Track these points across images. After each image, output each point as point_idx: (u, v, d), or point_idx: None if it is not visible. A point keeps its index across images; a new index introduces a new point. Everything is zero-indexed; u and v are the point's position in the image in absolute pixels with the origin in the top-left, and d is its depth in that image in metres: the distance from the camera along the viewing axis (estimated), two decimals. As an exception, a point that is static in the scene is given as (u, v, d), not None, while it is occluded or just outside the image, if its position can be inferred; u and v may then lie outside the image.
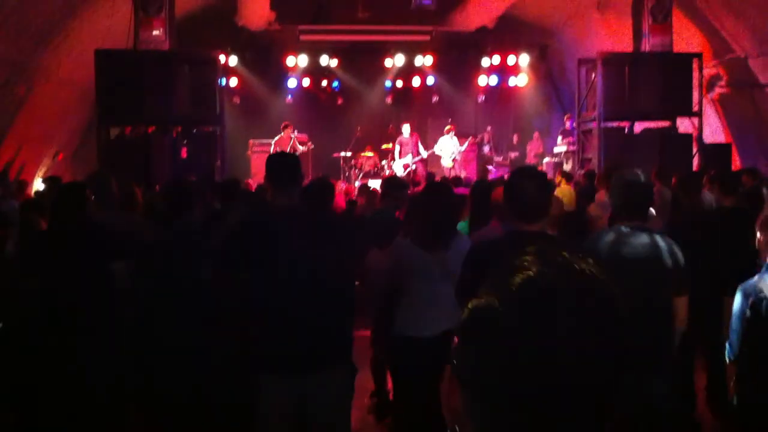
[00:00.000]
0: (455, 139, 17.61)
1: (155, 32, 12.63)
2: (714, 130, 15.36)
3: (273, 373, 3.93)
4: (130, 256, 4.97)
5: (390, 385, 5.53)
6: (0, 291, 4.86)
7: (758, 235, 3.88)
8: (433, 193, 4.94)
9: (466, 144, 17.80)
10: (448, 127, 17.80)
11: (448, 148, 17.63)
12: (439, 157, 17.88)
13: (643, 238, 3.88)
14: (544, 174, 4.07)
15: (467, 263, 3.74)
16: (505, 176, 13.67)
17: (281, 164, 4.23)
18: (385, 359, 5.68)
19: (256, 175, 15.27)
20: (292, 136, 16.43)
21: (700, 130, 14.13)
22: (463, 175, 16.02)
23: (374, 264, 5.16)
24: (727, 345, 3.77)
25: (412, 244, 4.68)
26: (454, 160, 17.53)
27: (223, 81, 14.77)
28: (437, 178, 12.85)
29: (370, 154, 18.04)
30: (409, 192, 7.04)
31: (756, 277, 3.68)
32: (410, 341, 4.61)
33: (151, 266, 4.79)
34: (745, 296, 3.65)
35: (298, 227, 4.01)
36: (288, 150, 15.48)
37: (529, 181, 3.56)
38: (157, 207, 6.31)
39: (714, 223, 5.65)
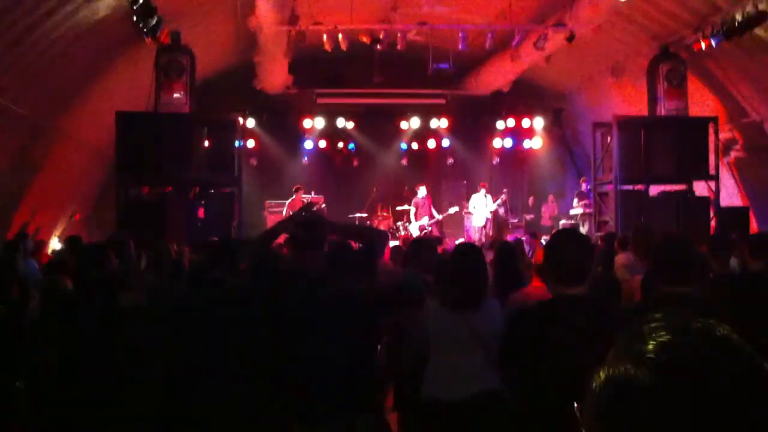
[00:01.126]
0: (489, 197, 17.58)
1: (176, 95, 12.83)
2: (730, 194, 15.33)
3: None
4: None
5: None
6: (21, 352, 4.83)
7: None
8: (464, 252, 4.91)
9: (499, 201, 17.72)
10: (482, 183, 17.89)
11: (481, 206, 17.56)
12: (455, 220, 17.86)
13: None
14: (584, 236, 4.03)
15: (513, 326, 3.71)
16: (523, 238, 13.70)
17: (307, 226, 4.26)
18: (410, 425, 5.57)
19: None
20: (304, 198, 16.56)
21: (717, 193, 14.11)
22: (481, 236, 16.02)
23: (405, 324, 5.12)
24: None
25: (441, 305, 4.64)
26: (487, 219, 17.43)
27: (241, 143, 14.96)
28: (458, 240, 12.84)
29: (384, 214, 18.09)
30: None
31: None
32: (439, 404, 4.54)
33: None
34: None
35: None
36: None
37: (570, 244, 3.55)
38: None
39: (746, 287, 5.58)
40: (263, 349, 4.36)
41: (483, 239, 16.11)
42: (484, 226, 17.37)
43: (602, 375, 1.08)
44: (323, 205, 16.94)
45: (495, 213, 18.50)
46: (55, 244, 14.62)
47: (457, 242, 9.88)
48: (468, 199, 18.48)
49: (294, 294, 4.30)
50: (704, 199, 14.23)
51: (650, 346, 1.03)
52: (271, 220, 17.05)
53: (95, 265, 4.95)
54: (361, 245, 5.05)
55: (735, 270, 6.90)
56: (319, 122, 18.58)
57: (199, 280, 5.24)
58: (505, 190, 19.20)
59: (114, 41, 12.53)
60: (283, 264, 5.96)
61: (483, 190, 17.64)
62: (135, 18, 11.16)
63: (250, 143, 18.45)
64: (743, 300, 5.32)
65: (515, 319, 3.76)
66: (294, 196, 16.62)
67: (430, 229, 17.15)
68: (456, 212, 17.72)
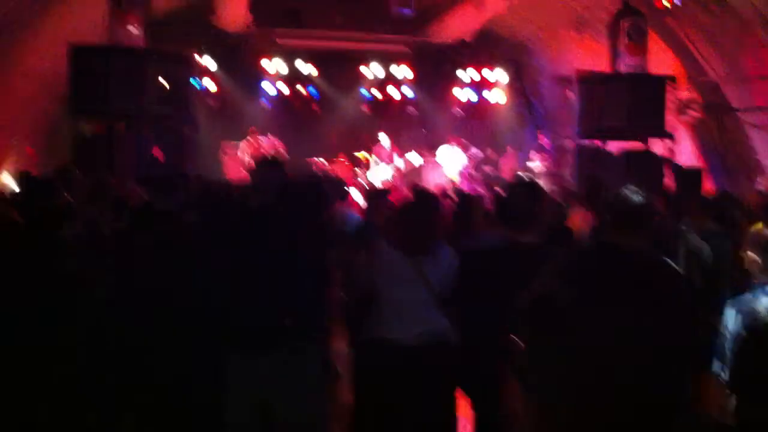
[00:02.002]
0: (460, 151, 17.37)
1: (130, 27, 12.47)
2: (686, 154, 15.49)
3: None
4: None
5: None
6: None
7: (749, 254, 3.89)
8: (420, 199, 5.10)
9: (470, 156, 17.46)
10: (451, 138, 17.78)
11: (454, 160, 17.34)
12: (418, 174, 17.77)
13: None
14: (534, 184, 4.12)
15: (465, 270, 4.07)
16: (480, 190, 13.71)
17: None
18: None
19: (228, 176, 15.18)
20: (260, 138, 16.46)
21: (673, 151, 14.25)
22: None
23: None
24: (716, 362, 3.73)
25: (391, 248, 4.72)
26: (460, 173, 17.17)
27: (198, 81, 14.69)
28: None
29: (342, 160, 17.99)
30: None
31: (749, 296, 3.66)
32: (384, 342, 4.58)
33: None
34: (741, 314, 3.64)
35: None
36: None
37: (521, 190, 3.68)
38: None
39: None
40: (206, 279, 4.36)
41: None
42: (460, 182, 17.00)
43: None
44: (282, 151, 16.81)
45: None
46: (6, 178, 14.27)
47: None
48: (430, 149, 18.42)
49: (242, 226, 4.43)
50: (660, 158, 14.35)
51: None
52: (227, 162, 16.86)
53: (43, 197, 4.85)
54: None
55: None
56: (278, 63, 18.22)
57: (143, 212, 5.16)
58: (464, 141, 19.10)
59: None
60: (230, 198, 5.91)
61: (456, 145, 17.47)
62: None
63: (208, 83, 18.05)
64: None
65: (468, 259, 4.04)
66: (249, 138, 16.45)
67: (392, 180, 17.08)
68: (420, 165, 17.58)
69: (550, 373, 3.14)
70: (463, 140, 17.80)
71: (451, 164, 17.37)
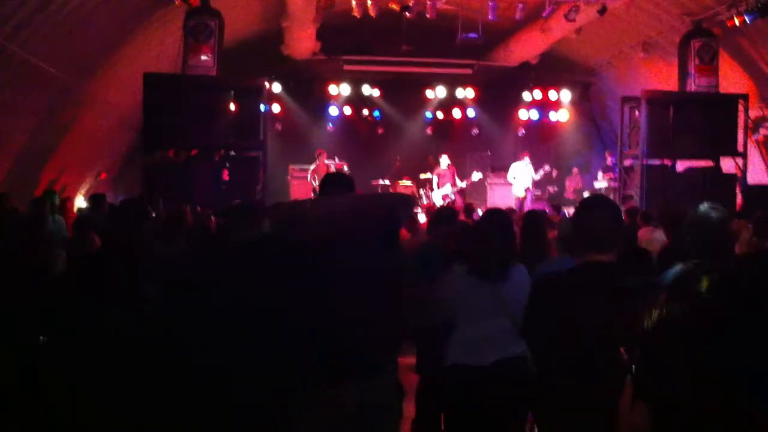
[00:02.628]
0: (530, 166, 17.09)
1: (203, 58, 12.87)
2: (758, 172, 15.16)
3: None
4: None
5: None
6: (46, 307, 4.90)
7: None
8: (492, 219, 4.85)
9: (542, 172, 17.13)
10: (524, 153, 17.56)
11: (523, 176, 17.07)
12: (479, 191, 17.81)
13: None
14: (613, 203, 3.93)
15: (538, 295, 3.68)
16: (547, 209, 13.61)
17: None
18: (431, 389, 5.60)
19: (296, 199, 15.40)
20: (327, 162, 16.66)
21: (744, 170, 13.98)
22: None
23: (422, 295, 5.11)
24: None
25: (468, 273, 4.60)
26: (527, 189, 16.98)
27: (266, 107, 15.01)
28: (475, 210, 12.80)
29: (408, 183, 18.09)
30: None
31: None
32: (464, 369, 4.54)
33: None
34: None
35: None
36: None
37: (600, 211, 3.50)
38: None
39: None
40: (285, 315, 4.40)
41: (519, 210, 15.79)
42: (524, 199, 16.87)
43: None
44: (346, 170, 16.99)
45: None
46: (80, 202, 14.81)
47: (484, 210, 9.79)
48: (493, 170, 18.43)
49: (315, 262, 4.30)
50: (731, 176, 14.11)
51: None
52: (295, 185, 17.14)
53: (124, 226, 5.00)
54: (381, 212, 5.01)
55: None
56: (345, 89, 18.52)
57: (227, 243, 5.27)
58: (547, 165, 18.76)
59: (143, 3, 12.56)
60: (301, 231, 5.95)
61: (526, 158, 17.18)
62: (164, -20, 11.17)
63: (276, 108, 18.43)
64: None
65: (542, 286, 3.72)
66: (317, 161, 16.72)
67: (453, 198, 17.12)
68: (480, 179, 17.57)
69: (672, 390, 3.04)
70: (531, 156, 17.58)
71: (521, 180, 17.16)
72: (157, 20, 13.40)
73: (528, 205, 16.28)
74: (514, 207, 15.63)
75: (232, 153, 13.77)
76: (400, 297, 4.55)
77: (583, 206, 3.68)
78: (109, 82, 13.95)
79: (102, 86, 13.86)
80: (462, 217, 9.95)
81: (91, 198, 10.76)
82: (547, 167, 17.26)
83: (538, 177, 17.15)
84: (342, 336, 4.03)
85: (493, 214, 5.08)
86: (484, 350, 4.50)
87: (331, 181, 4.69)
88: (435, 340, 4.81)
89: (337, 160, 17.55)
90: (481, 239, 4.69)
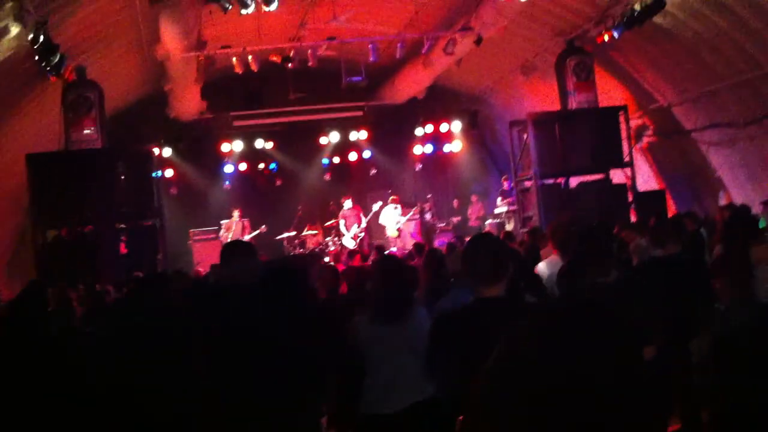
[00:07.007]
0: (399, 208, 17.94)
1: (86, 131, 12.56)
2: (646, 179, 15.77)
3: None
4: None
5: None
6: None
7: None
8: (384, 267, 4.93)
9: (411, 213, 18.06)
10: (392, 198, 18.11)
11: (392, 219, 17.91)
12: (382, 228, 18.01)
13: None
14: (497, 240, 4.09)
15: (436, 335, 3.75)
16: (452, 241, 13.80)
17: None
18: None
19: (200, 263, 15.10)
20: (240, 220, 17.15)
21: (633, 179, 14.51)
22: (409, 244, 16.10)
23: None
24: None
25: (370, 320, 4.65)
26: (398, 230, 17.77)
27: (159, 173, 14.75)
28: (387, 250, 12.91)
29: (314, 232, 18.05)
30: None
31: None
32: (377, 419, 4.53)
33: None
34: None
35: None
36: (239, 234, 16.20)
37: (483, 250, 3.63)
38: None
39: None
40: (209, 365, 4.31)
41: (402, 251, 16.16)
42: (398, 238, 17.77)
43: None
44: (264, 228, 16.99)
45: (421, 220, 18.64)
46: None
47: (376, 258, 9.99)
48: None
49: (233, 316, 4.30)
50: (621, 186, 14.63)
51: None
52: (197, 249, 16.82)
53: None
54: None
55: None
56: (238, 145, 18.29)
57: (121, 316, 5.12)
58: (429, 196, 19.38)
59: (19, 82, 12.16)
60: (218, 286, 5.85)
61: (395, 204, 18.04)
62: (37, 57, 10.82)
63: (169, 173, 18.06)
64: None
65: (435, 327, 3.82)
66: (232, 218, 17.16)
67: (362, 235, 17.33)
68: (381, 206, 18.01)
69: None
70: (399, 198, 18.42)
71: (391, 223, 17.98)
72: (35, 98, 12.99)
73: (406, 241, 17.39)
74: (393, 248, 16.28)
75: (123, 226, 13.42)
76: (315, 353, 4.52)
77: (468, 246, 3.84)
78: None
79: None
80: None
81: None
82: (428, 202, 18.92)
83: (405, 219, 18.06)
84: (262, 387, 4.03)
85: (384, 262, 5.21)
86: (393, 397, 4.50)
87: (233, 251, 4.72)
88: (349, 391, 4.79)
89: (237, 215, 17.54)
90: (376, 289, 4.80)
